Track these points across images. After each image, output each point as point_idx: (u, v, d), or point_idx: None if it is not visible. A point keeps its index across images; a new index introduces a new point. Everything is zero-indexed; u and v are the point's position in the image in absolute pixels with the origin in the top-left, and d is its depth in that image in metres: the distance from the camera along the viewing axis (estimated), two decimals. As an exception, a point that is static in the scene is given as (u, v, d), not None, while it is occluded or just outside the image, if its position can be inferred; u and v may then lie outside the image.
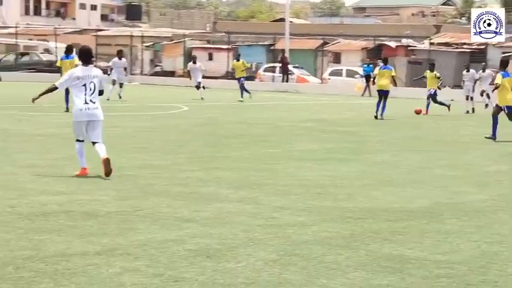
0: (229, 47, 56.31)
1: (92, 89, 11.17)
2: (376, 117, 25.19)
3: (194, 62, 35.03)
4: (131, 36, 59.37)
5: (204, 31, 76.24)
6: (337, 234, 7.90)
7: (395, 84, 27.41)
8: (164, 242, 7.32)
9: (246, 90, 34.83)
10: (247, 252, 7.06)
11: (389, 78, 26.21)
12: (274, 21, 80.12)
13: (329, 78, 50.12)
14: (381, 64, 26.89)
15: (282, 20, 65.47)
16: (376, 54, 49.63)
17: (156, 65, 61.25)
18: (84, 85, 11.13)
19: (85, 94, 11.13)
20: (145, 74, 57.68)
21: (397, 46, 53.83)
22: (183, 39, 59.93)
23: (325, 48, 55.48)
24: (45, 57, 54.83)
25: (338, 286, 6.09)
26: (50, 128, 18.58)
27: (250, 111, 27.97)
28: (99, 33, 65.55)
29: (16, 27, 58.76)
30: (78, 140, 11.42)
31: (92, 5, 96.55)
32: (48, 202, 9.13)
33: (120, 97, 30.49)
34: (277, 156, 14.66)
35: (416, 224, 8.58)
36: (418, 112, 28.20)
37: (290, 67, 51.32)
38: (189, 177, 11.52)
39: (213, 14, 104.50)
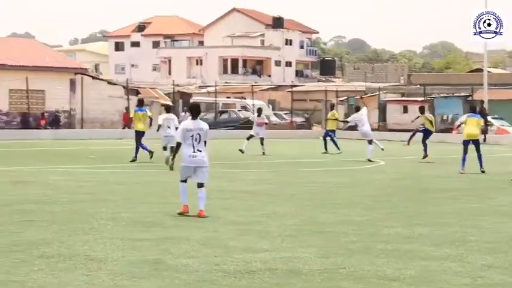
0: (425, 99, 55.62)
1: (198, 139, 12.85)
2: (463, 173, 22.96)
3: (259, 115, 32.25)
4: (326, 91, 59.92)
5: (398, 84, 75.82)
6: (552, 296, 7.51)
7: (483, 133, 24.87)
8: (369, 302, 7.20)
9: (335, 144, 32.56)
10: (456, 313, 6.84)
11: (478, 126, 24.44)
12: (470, 71, 78.59)
13: (531, 129, 48.45)
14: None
15: (479, 70, 64.13)
16: None
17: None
18: (192, 136, 12.82)
19: (193, 144, 12.82)
20: (340, 129, 57.71)
21: None
22: (377, 93, 59.81)
23: (526, 98, 53.72)
24: (243, 115, 56.17)
25: None
26: (249, 185, 18.93)
27: (448, 165, 27.38)
28: (294, 88, 66.63)
29: (215, 85, 60.74)
30: (182, 181, 13.07)
31: (286, 62, 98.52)
32: (252, 260, 9.23)
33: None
34: (481, 211, 14.22)
35: None
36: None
37: (489, 118, 49.95)
38: (390, 234, 11.36)
39: (408, 66, 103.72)
